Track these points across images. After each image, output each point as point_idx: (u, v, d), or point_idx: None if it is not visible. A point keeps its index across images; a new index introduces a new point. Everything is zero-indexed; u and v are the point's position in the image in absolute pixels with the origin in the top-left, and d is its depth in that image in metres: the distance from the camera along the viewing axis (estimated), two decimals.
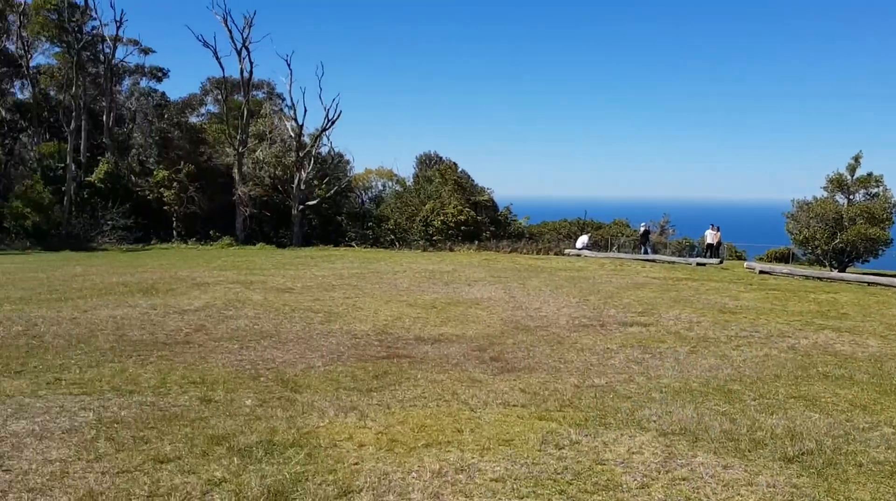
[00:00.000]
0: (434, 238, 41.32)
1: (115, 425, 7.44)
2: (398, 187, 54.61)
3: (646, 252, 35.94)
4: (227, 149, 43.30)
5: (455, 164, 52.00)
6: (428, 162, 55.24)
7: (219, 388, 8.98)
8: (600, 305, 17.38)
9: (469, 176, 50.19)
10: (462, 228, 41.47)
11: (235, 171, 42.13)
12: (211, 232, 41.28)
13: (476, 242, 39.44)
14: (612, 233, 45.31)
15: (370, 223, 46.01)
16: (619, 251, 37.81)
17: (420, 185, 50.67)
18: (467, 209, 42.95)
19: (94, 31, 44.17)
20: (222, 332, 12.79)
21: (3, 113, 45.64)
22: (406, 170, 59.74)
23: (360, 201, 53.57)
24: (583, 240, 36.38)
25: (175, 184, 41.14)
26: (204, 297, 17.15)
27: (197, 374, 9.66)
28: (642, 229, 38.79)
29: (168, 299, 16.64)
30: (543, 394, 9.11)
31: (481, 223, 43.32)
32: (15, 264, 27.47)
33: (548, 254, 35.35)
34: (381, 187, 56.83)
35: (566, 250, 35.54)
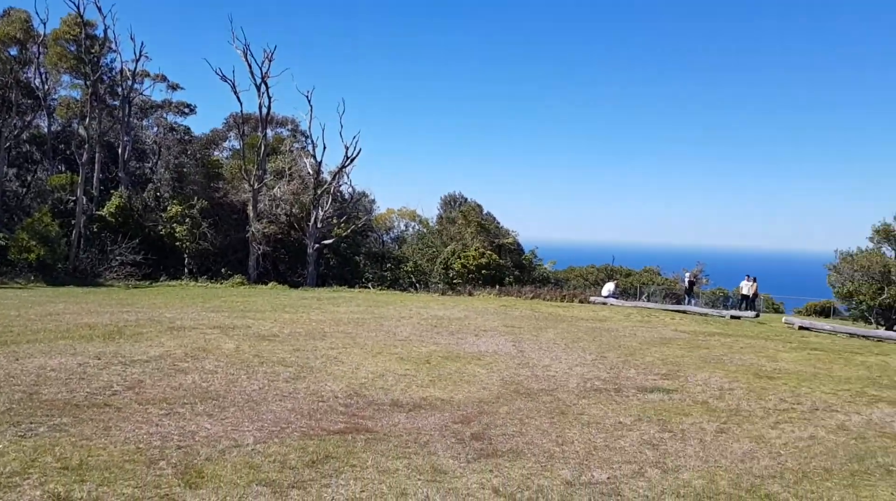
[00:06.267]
0: (454, 282, 39.32)
1: None
2: (421, 228, 52.95)
3: (688, 303, 33.72)
4: (244, 185, 41.95)
5: (479, 205, 50.24)
6: (452, 203, 53.56)
7: (91, 478, 6.87)
8: (619, 363, 15.21)
9: (494, 218, 48.35)
10: (483, 271, 39.40)
11: (250, 207, 40.75)
12: (223, 270, 39.82)
13: (497, 286, 37.26)
14: (642, 281, 43.06)
15: (389, 264, 44.17)
16: (648, 300, 35.47)
17: (443, 226, 48.98)
18: (489, 252, 40.95)
19: (115, 64, 43.61)
20: (158, 391, 10.80)
21: (23, 145, 45.04)
22: (430, 211, 58.21)
23: (380, 241, 51.90)
24: (609, 287, 34.13)
25: (188, 219, 39.81)
26: (169, 344, 15.26)
27: (81, 454, 7.59)
28: (687, 278, 36.45)
29: (125, 347, 14.76)
30: (522, 497, 6.99)
31: (504, 267, 41.20)
32: (6, 298, 26.03)
33: (572, 301, 33.07)
34: (403, 228, 55.14)
35: (591, 298, 33.28)
